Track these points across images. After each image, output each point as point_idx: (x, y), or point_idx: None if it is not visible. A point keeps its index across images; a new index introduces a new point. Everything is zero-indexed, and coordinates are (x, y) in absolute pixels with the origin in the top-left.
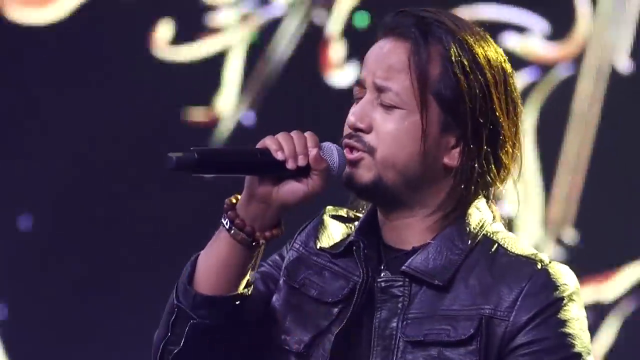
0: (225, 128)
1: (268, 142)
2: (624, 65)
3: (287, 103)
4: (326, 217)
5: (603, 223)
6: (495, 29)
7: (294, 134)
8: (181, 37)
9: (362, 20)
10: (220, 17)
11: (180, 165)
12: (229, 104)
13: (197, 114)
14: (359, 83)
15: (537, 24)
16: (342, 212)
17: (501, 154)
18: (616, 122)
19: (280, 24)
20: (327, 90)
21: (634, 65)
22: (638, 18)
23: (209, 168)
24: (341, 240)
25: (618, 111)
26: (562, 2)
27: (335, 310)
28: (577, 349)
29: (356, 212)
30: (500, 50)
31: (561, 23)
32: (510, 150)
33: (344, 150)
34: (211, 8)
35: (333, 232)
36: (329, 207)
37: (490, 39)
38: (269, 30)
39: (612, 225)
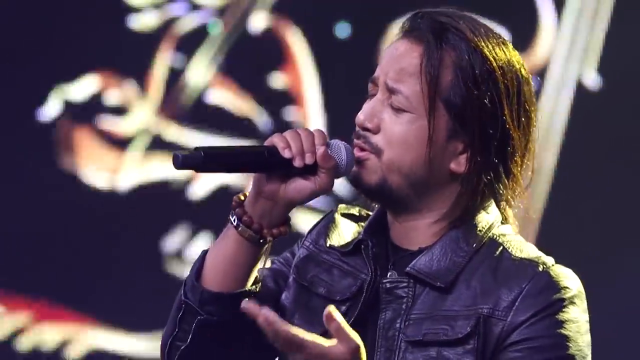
0: (143, 139)
1: (275, 139)
2: (591, 79)
3: (212, 114)
4: (337, 216)
5: (566, 240)
6: None
7: (301, 131)
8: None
9: (343, 30)
10: (143, 21)
11: (187, 164)
12: (149, 114)
13: (114, 124)
14: (373, 81)
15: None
16: (354, 211)
17: (510, 165)
18: (581, 139)
19: (211, 32)
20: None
21: (602, 80)
22: (606, 30)
23: (216, 166)
24: (352, 239)
25: (584, 128)
26: (526, 12)
27: (343, 308)
28: (570, 351)
29: (368, 210)
30: (518, 57)
31: (524, 34)
32: (520, 160)
33: (354, 150)
34: (135, 10)
35: (344, 231)
36: (341, 205)
37: (508, 44)
38: (197, 38)
39: (576, 243)
